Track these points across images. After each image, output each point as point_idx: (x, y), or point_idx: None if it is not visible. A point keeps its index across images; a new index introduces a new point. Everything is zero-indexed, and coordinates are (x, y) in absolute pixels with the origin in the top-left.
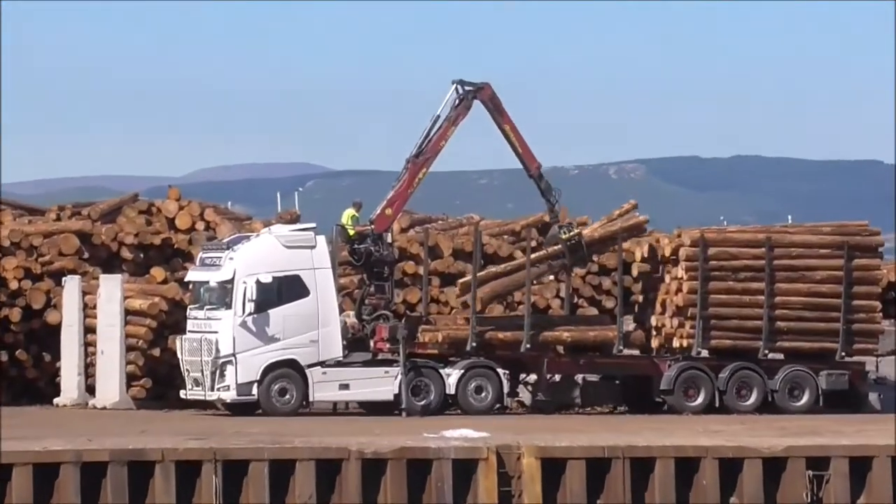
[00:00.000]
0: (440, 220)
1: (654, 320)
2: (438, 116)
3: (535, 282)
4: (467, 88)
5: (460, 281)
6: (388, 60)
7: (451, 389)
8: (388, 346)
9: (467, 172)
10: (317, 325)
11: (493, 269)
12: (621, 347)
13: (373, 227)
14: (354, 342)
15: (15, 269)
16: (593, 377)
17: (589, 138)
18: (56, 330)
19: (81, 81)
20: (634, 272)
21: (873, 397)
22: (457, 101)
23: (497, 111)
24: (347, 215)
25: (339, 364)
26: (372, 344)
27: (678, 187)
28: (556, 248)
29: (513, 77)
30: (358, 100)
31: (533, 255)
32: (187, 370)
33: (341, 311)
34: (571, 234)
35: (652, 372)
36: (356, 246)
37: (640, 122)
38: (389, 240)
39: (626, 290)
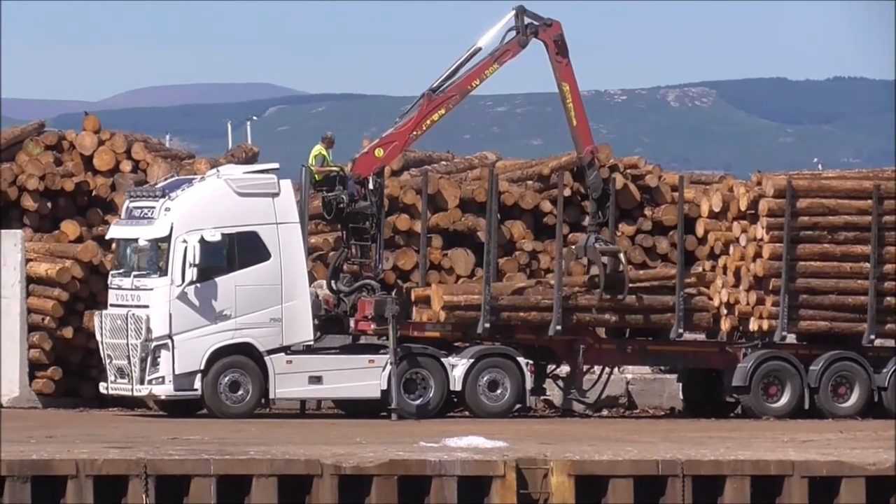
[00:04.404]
0: (444, 161)
1: (725, 295)
2: (480, 48)
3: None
4: (529, 21)
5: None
6: None
7: (456, 384)
8: (373, 326)
9: (481, 97)
10: (280, 298)
11: None
12: (681, 331)
13: (347, 169)
14: (329, 321)
15: None
16: (644, 370)
17: (641, 55)
18: None
19: None
20: (700, 231)
21: None
22: (510, 34)
23: (560, 60)
24: (313, 154)
25: (308, 350)
26: (352, 324)
27: (759, 119)
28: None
29: None
30: (336, 3)
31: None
32: (109, 357)
33: (312, 279)
34: (609, 247)
35: (722, 363)
36: (325, 194)
37: (709, 34)
38: (372, 185)
39: (689, 254)
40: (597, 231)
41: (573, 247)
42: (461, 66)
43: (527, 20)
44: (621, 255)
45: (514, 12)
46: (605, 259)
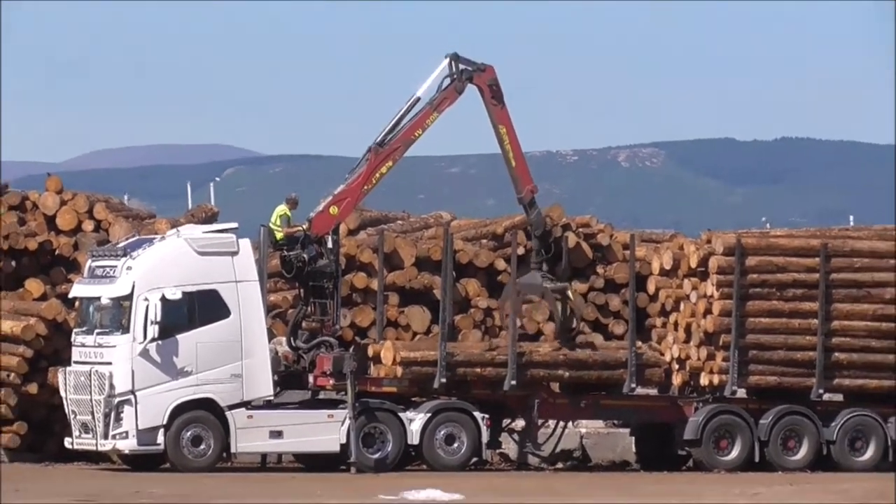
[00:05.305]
0: (400, 220)
1: (676, 350)
2: (419, 98)
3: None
4: (463, 67)
5: None
6: (334, 14)
7: (413, 438)
8: (331, 382)
9: (435, 158)
10: (240, 354)
11: None
12: (634, 385)
13: (307, 228)
14: (288, 377)
15: None
16: (597, 423)
17: (592, 115)
18: None
19: None
20: (651, 288)
21: None
22: (446, 81)
23: (495, 103)
24: (277, 214)
25: (268, 405)
26: (311, 379)
27: (708, 179)
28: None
29: (493, 34)
30: (292, 66)
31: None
32: (73, 412)
33: (271, 336)
34: (557, 285)
35: (673, 417)
36: (286, 253)
37: (658, 96)
38: (330, 244)
39: (641, 311)
40: (540, 267)
41: (517, 284)
42: (402, 117)
43: (461, 66)
44: (569, 292)
45: (448, 60)
46: (556, 296)
